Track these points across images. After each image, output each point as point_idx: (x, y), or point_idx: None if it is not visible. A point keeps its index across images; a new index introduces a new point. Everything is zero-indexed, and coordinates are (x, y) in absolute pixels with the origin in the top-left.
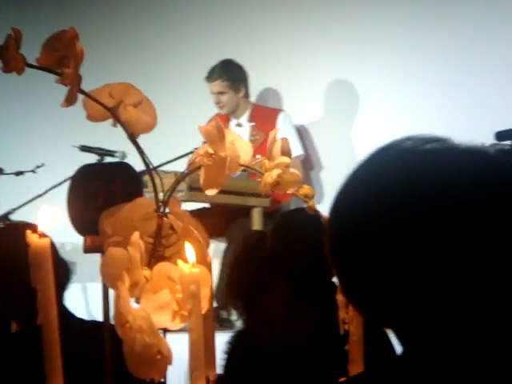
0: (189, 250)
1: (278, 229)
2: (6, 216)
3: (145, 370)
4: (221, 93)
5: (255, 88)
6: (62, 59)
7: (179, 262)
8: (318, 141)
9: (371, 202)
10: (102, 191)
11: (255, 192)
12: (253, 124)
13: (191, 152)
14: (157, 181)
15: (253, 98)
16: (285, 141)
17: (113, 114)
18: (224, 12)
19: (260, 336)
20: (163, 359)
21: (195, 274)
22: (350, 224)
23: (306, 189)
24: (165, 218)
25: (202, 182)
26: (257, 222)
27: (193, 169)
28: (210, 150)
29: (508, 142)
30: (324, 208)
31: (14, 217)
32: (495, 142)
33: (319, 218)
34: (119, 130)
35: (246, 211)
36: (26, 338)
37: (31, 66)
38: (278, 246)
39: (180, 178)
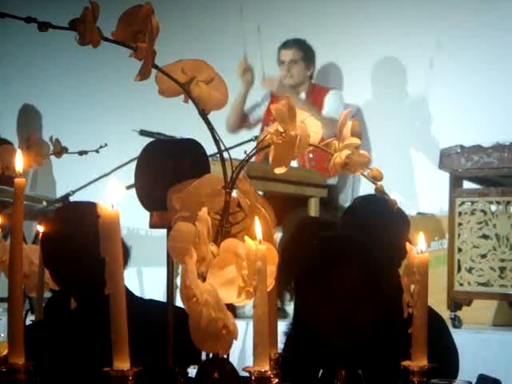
0: (257, 226)
1: (348, 214)
2: (66, 197)
3: (210, 344)
4: (293, 61)
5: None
6: (136, 34)
7: (246, 238)
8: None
9: None
10: (170, 167)
11: (312, 182)
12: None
13: (250, 140)
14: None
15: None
16: (355, 122)
17: (184, 89)
18: None
19: (321, 322)
20: (229, 334)
21: (261, 251)
22: None
23: (374, 171)
24: (232, 195)
25: (270, 160)
26: (314, 213)
27: (262, 147)
28: (281, 129)
29: None
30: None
31: (74, 198)
32: None
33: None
34: (178, 116)
35: (302, 201)
36: (85, 314)
37: (107, 40)
38: (347, 230)
39: (249, 155)
